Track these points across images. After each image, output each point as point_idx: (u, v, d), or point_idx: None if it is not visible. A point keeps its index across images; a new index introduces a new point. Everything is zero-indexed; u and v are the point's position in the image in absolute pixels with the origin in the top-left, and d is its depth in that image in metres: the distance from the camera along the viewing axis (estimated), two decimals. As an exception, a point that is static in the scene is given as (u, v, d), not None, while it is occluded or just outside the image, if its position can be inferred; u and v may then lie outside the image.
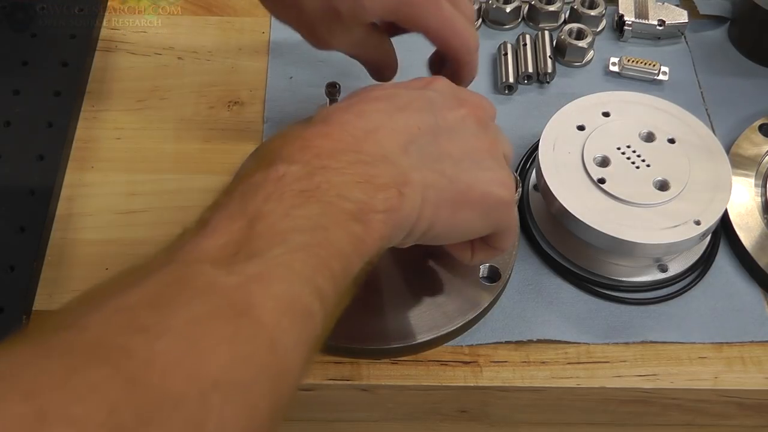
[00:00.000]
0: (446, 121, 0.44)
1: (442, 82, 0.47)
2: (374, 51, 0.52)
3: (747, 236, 0.58)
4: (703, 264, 0.58)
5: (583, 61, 0.70)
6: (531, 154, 0.63)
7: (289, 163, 0.38)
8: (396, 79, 0.58)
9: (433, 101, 0.45)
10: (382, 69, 0.56)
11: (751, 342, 0.55)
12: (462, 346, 0.54)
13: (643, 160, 0.56)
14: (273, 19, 0.61)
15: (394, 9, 0.48)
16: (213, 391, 0.30)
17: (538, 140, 0.58)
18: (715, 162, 0.57)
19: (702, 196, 0.55)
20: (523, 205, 0.60)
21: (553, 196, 0.55)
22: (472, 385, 0.53)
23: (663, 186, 0.55)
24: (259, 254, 0.34)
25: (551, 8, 0.72)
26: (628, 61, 0.69)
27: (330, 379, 0.52)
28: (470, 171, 0.43)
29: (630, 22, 0.71)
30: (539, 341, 0.54)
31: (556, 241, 0.58)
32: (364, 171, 0.39)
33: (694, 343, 0.55)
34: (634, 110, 0.59)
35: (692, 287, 0.57)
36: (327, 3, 0.47)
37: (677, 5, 0.73)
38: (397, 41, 0.56)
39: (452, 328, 0.53)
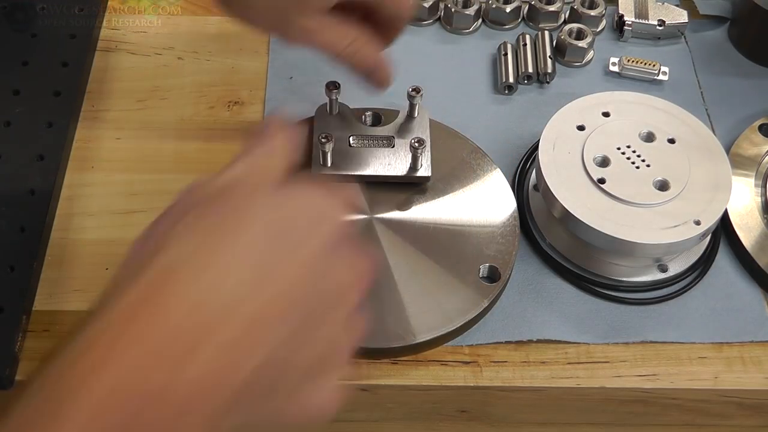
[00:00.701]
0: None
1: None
2: (345, 38, 0.52)
3: (747, 236, 0.58)
4: (703, 264, 0.58)
5: (583, 61, 0.70)
6: (531, 154, 0.63)
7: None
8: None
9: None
10: (369, 70, 0.55)
11: (751, 342, 0.55)
12: (462, 346, 0.54)
13: (643, 160, 0.56)
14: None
15: None
16: None
17: (538, 140, 0.58)
18: (715, 162, 0.57)
19: (702, 196, 0.55)
20: (523, 205, 0.60)
21: (553, 196, 0.55)
22: (472, 385, 0.53)
23: (663, 186, 0.55)
24: None
25: (551, 8, 0.72)
26: (628, 61, 0.69)
27: (330, 379, 0.52)
28: None
29: (630, 22, 0.71)
30: (539, 341, 0.54)
31: (556, 241, 0.58)
32: None
33: (694, 343, 0.55)
34: (634, 110, 0.59)
35: (692, 287, 0.57)
36: None
37: (677, 5, 0.73)
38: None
39: (452, 328, 0.53)
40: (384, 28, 0.54)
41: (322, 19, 0.50)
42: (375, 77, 0.55)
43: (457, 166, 0.61)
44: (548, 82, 0.68)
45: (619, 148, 0.57)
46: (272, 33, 0.52)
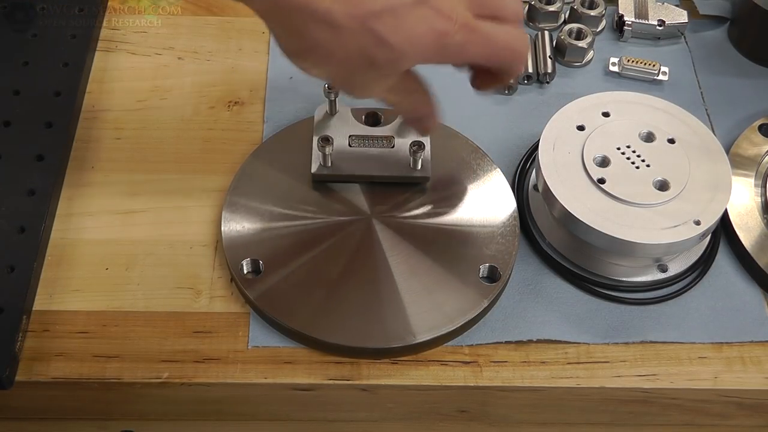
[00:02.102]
0: None
1: None
2: (411, 97, 0.52)
3: (747, 236, 0.58)
4: (703, 264, 0.58)
5: (583, 61, 0.70)
6: (531, 154, 0.63)
7: None
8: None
9: None
10: (421, 117, 0.54)
11: (751, 342, 0.55)
12: (462, 346, 0.54)
13: (643, 160, 0.56)
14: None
15: (433, 54, 0.47)
16: None
17: (538, 140, 0.58)
18: (714, 162, 0.57)
19: (702, 196, 0.55)
20: (523, 205, 0.60)
21: (553, 196, 0.55)
22: (472, 385, 0.53)
23: (663, 186, 0.55)
24: None
25: (551, 8, 0.72)
26: (628, 61, 0.69)
27: (330, 379, 0.52)
28: None
29: (630, 22, 0.71)
30: (539, 341, 0.54)
31: (556, 241, 0.58)
32: None
33: (693, 343, 0.55)
34: (634, 110, 0.60)
35: (692, 287, 0.57)
36: (363, 51, 0.45)
37: (677, 5, 0.73)
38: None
39: (452, 328, 0.53)
40: (488, 75, 0.52)
41: (396, 78, 0.49)
42: (418, 125, 0.56)
43: (457, 166, 0.61)
44: (548, 82, 0.68)
45: (619, 148, 0.57)
46: (346, 90, 0.51)
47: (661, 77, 0.69)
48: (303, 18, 0.44)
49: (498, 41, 0.48)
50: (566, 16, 0.74)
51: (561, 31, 0.70)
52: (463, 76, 0.69)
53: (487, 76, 0.52)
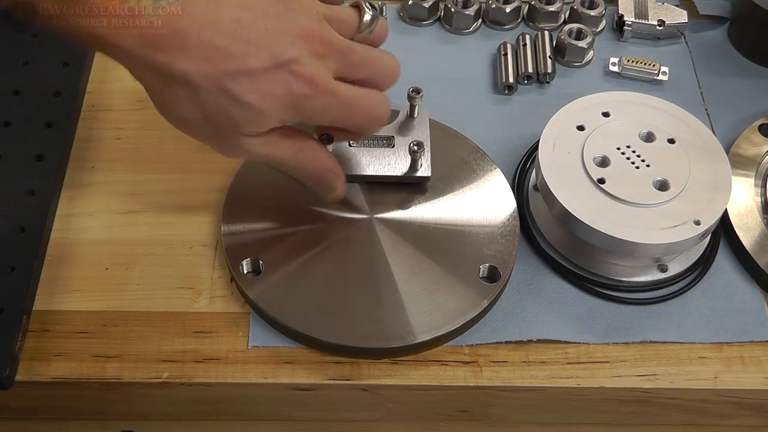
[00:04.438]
0: None
1: None
2: (300, 154, 0.51)
3: (747, 236, 0.58)
4: (703, 264, 0.58)
5: (583, 61, 0.70)
6: (531, 154, 0.63)
7: None
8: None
9: None
10: (320, 174, 0.53)
11: (751, 342, 0.55)
12: (462, 346, 0.54)
13: (643, 160, 0.56)
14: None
15: (292, 114, 0.48)
16: None
17: (538, 140, 0.58)
18: (714, 162, 0.57)
19: (702, 196, 0.55)
20: (523, 205, 0.60)
21: (553, 196, 0.55)
22: (472, 385, 0.53)
23: (663, 186, 0.55)
24: None
25: (551, 8, 0.72)
26: (628, 61, 0.69)
27: (330, 379, 0.52)
28: None
29: (630, 22, 0.71)
30: (539, 341, 0.54)
31: (556, 241, 0.58)
32: None
33: (693, 343, 0.55)
34: (634, 110, 0.60)
35: (692, 287, 0.57)
36: (221, 110, 0.46)
37: (677, 5, 0.74)
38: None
39: (452, 328, 0.53)
40: (341, 131, 0.54)
41: (258, 138, 0.49)
42: (321, 185, 0.54)
43: (457, 166, 0.61)
44: (548, 82, 0.68)
45: (618, 148, 0.57)
46: (222, 154, 0.51)
47: (661, 77, 0.69)
48: (164, 78, 0.46)
49: (360, 107, 0.50)
50: (566, 16, 0.74)
51: (561, 31, 0.70)
52: (464, 77, 0.69)
53: (340, 132, 0.54)
